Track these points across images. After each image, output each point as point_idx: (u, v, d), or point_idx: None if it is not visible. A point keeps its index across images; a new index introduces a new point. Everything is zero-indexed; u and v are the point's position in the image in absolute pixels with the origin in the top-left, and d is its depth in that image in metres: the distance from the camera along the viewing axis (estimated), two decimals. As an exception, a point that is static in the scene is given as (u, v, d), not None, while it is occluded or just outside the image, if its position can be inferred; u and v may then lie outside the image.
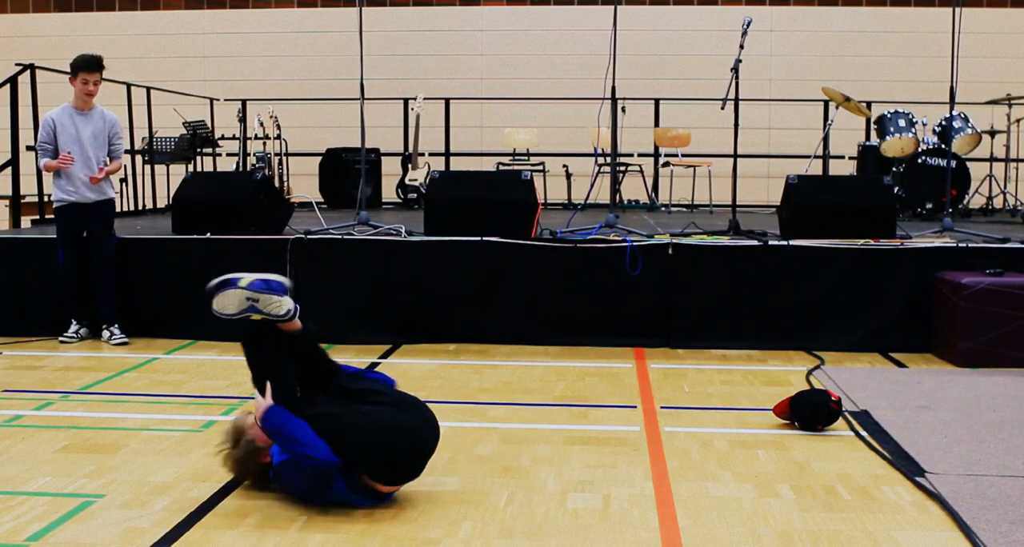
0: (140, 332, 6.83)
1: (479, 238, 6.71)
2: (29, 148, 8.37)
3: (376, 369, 5.93)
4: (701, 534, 3.35)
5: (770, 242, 6.70)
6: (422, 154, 11.15)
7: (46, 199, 8.71)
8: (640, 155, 11.81)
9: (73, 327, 6.71)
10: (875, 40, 13.12)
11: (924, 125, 9.68)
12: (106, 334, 6.70)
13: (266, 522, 3.43)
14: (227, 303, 3.68)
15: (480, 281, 6.72)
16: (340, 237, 6.87)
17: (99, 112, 6.74)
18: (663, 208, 11.15)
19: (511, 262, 6.71)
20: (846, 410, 4.87)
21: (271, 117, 10.53)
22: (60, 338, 6.66)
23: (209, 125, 11.52)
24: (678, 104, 12.02)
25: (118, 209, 7.93)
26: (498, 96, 12.87)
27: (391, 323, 6.73)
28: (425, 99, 10.77)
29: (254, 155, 10.86)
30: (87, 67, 6.56)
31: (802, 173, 7.81)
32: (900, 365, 6.16)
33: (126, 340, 6.66)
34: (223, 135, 11.68)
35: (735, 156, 7.40)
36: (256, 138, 10.57)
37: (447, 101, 11.95)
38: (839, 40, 13.17)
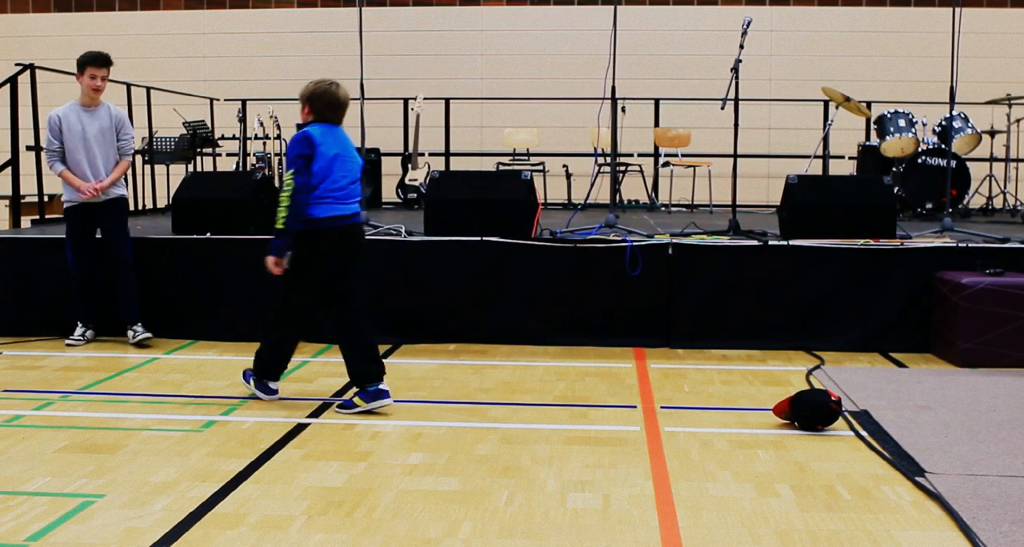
0: (140, 332, 6.83)
1: (479, 238, 6.71)
2: (29, 148, 8.40)
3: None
4: (701, 534, 3.35)
5: (770, 242, 6.70)
6: (422, 154, 11.15)
7: (46, 199, 8.73)
8: (640, 155, 11.81)
9: (79, 330, 6.65)
10: (875, 40, 13.12)
11: (924, 125, 9.67)
12: (131, 334, 6.59)
13: (266, 522, 3.43)
14: None
15: (480, 281, 6.72)
16: (340, 237, 6.86)
17: (106, 108, 6.64)
18: (663, 208, 11.15)
19: (511, 262, 6.71)
20: (846, 410, 4.87)
21: (271, 117, 10.53)
22: (67, 341, 6.61)
23: (209, 125, 11.52)
24: (678, 104, 12.02)
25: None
26: (498, 96, 12.87)
27: (391, 323, 6.72)
28: (425, 99, 10.76)
29: (254, 155, 10.86)
30: (94, 62, 6.50)
31: (802, 173, 7.81)
32: (900, 365, 6.16)
33: (150, 335, 6.58)
34: (223, 135, 11.67)
35: (735, 156, 7.40)
36: (256, 138, 10.57)
37: (447, 101, 11.95)
38: (839, 40, 13.17)
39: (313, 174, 4.77)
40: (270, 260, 4.79)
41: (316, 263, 4.86)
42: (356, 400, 4.87)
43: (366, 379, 4.87)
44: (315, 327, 5.19)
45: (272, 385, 5.16)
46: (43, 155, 6.61)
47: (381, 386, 4.87)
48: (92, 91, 6.54)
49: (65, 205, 6.64)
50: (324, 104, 4.90)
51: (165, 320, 6.84)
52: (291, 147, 4.82)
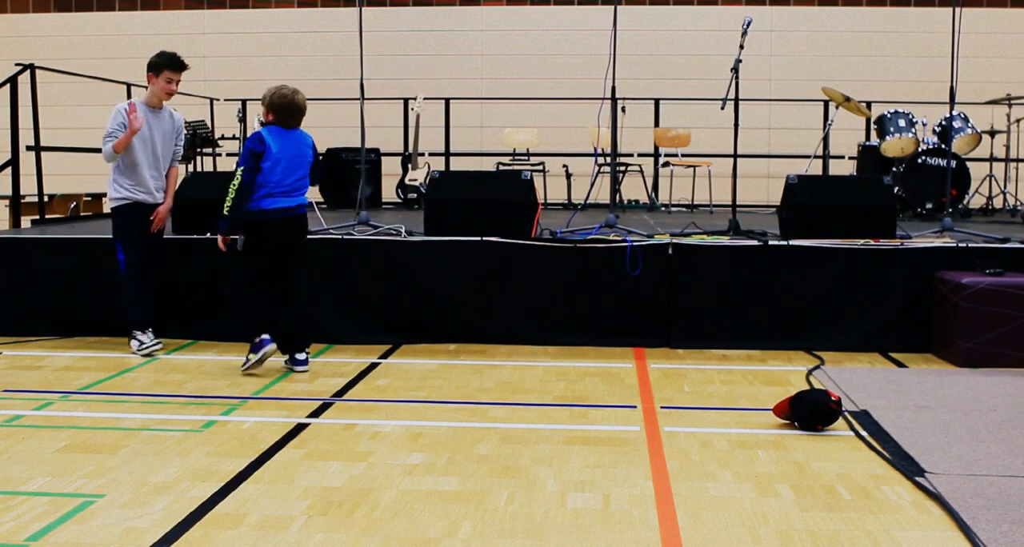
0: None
1: (479, 238, 6.71)
2: (29, 148, 8.40)
3: (376, 370, 5.95)
4: (701, 534, 3.35)
5: (770, 242, 6.70)
6: (422, 154, 11.15)
7: (46, 199, 8.72)
8: (640, 155, 11.82)
9: (149, 335, 6.38)
10: (875, 40, 13.13)
11: (924, 125, 9.68)
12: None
13: (266, 522, 3.43)
14: None
15: (480, 281, 6.72)
16: (340, 237, 6.87)
17: (168, 112, 6.52)
18: (663, 208, 11.15)
19: (511, 262, 6.71)
20: (846, 410, 4.87)
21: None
22: (142, 350, 6.29)
23: (209, 125, 11.52)
24: (678, 104, 12.02)
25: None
26: (498, 96, 12.88)
27: (391, 323, 6.73)
28: (425, 99, 10.77)
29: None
30: (173, 66, 6.31)
31: (802, 173, 7.81)
32: (900, 365, 6.16)
33: (160, 345, 6.43)
34: (223, 135, 11.68)
35: (735, 156, 7.40)
36: (256, 138, 10.56)
37: (447, 101, 11.95)
38: (839, 40, 13.18)
39: (262, 170, 5.64)
40: (219, 239, 5.73)
41: (263, 245, 5.74)
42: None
43: (290, 347, 5.87)
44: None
45: (264, 337, 5.70)
46: (103, 144, 6.29)
47: (298, 355, 5.84)
48: (165, 95, 6.37)
49: (116, 203, 6.39)
50: (285, 111, 5.68)
51: (165, 320, 6.83)
52: (246, 145, 5.70)
